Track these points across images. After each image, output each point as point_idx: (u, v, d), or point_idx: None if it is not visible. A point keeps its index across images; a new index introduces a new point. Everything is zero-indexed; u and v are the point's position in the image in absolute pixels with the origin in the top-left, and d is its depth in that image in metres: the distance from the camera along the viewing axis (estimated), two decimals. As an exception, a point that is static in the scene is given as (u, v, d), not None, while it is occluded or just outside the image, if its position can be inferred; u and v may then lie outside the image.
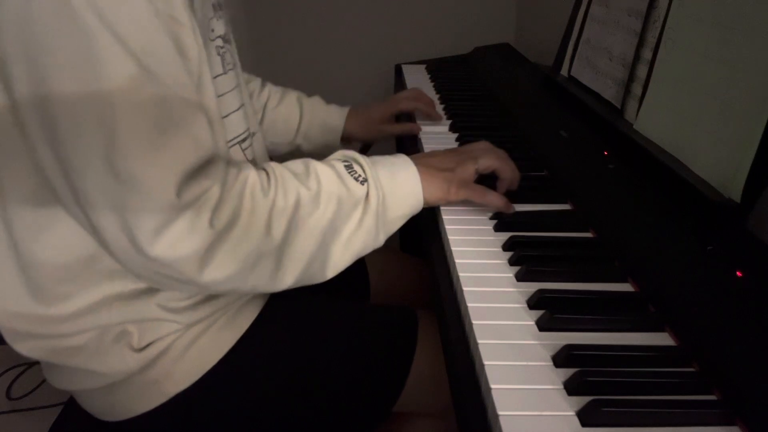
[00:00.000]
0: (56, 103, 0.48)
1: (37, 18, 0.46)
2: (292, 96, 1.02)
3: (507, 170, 0.71)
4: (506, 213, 0.70)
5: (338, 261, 0.62)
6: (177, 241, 0.51)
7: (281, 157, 1.02)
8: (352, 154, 0.66)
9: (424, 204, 0.67)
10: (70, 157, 0.50)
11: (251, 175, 0.58)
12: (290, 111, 1.00)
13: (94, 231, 0.54)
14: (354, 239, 0.62)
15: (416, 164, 0.67)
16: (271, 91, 1.01)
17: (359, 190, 0.62)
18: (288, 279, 0.60)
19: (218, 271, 0.55)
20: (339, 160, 0.65)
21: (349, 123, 1.02)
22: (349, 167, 0.64)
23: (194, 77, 0.56)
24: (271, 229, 0.57)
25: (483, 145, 0.73)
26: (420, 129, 1.01)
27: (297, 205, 0.58)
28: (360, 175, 0.63)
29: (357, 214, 0.61)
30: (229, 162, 0.59)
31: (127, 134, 0.49)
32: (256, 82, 1.00)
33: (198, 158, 0.53)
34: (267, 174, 0.60)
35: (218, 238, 0.54)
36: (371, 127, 1.03)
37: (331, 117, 1.01)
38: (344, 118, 1.02)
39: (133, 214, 0.50)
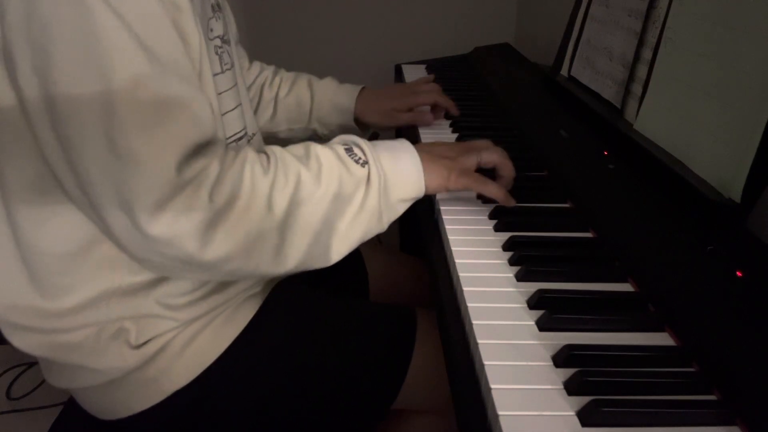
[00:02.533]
0: (59, 85, 0.49)
1: (41, 3, 0.47)
2: (303, 80, 1.02)
3: (507, 168, 0.71)
4: (506, 206, 0.70)
5: (342, 243, 0.62)
6: (176, 218, 0.52)
7: (314, 138, 1.02)
8: (353, 138, 0.66)
9: (426, 189, 0.66)
10: (72, 137, 0.50)
11: (250, 155, 0.58)
12: (301, 97, 1.00)
13: (97, 214, 0.54)
14: (357, 221, 0.61)
15: (418, 150, 0.67)
16: (283, 77, 1.02)
17: (360, 171, 0.62)
18: (291, 260, 0.59)
19: (220, 249, 0.54)
20: (339, 143, 0.65)
21: (361, 105, 0.99)
22: (349, 150, 0.64)
23: (195, 64, 0.57)
24: (272, 206, 0.56)
25: (485, 141, 0.73)
26: (432, 122, 1.01)
27: (298, 184, 0.58)
28: (360, 158, 0.63)
29: (359, 196, 0.61)
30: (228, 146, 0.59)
31: (127, 112, 0.49)
32: (269, 71, 1.02)
33: (198, 137, 0.53)
34: (267, 155, 0.60)
35: (218, 214, 0.54)
36: (385, 114, 1.01)
37: (341, 97, 1.00)
38: (354, 98, 0.99)
39: (132, 192, 0.51)
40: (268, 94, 1.00)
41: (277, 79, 1.01)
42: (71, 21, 0.48)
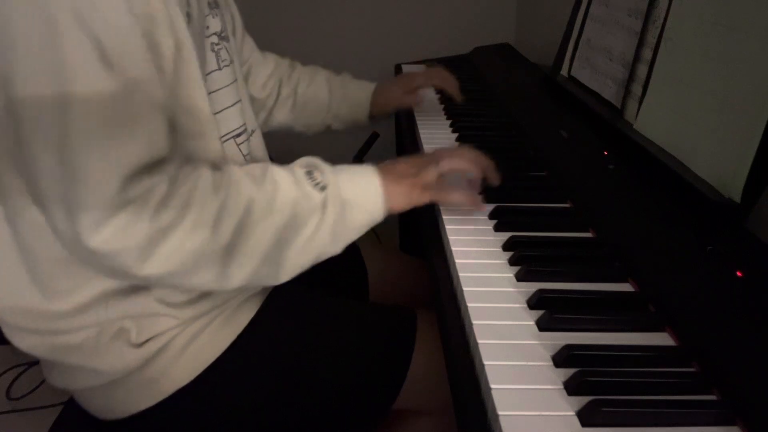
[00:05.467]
0: (19, 93, 0.49)
1: (8, 15, 0.47)
2: (321, 76, 1.05)
3: (473, 168, 0.71)
4: (477, 210, 0.69)
5: (292, 265, 0.62)
6: (116, 234, 0.52)
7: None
8: (315, 160, 0.66)
9: (389, 211, 0.67)
10: (29, 145, 0.51)
11: (204, 174, 0.58)
12: (320, 92, 1.03)
13: (48, 220, 0.54)
14: (309, 245, 0.62)
15: (379, 172, 0.67)
16: (301, 73, 1.04)
17: (317, 196, 0.62)
18: (236, 280, 0.59)
19: (159, 267, 0.54)
20: (301, 166, 0.65)
21: (375, 100, 1.04)
22: (309, 174, 0.64)
23: (167, 74, 0.56)
24: (218, 230, 0.56)
25: (447, 149, 0.73)
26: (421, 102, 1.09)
27: (249, 207, 0.58)
28: (320, 182, 0.63)
29: (313, 221, 0.61)
30: (187, 160, 0.58)
31: (79, 127, 0.50)
32: (285, 64, 1.04)
33: (149, 156, 0.53)
34: (222, 174, 0.60)
35: (160, 234, 0.54)
36: (394, 101, 1.06)
37: (359, 95, 1.04)
38: (371, 95, 1.04)
39: (76, 205, 0.51)
40: (287, 89, 1.02)
41: (295, 74, 1.03)
42: (36, 32, 0.47)
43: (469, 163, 0.70)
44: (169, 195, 0.54)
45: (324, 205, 0.62)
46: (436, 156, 0.71)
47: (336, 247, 0.64)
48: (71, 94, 0.49)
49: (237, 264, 0.58)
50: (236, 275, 0.59)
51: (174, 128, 0.57)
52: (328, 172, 0.64)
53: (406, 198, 0.67)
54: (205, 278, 0.57)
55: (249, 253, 0.58)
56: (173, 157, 0.56)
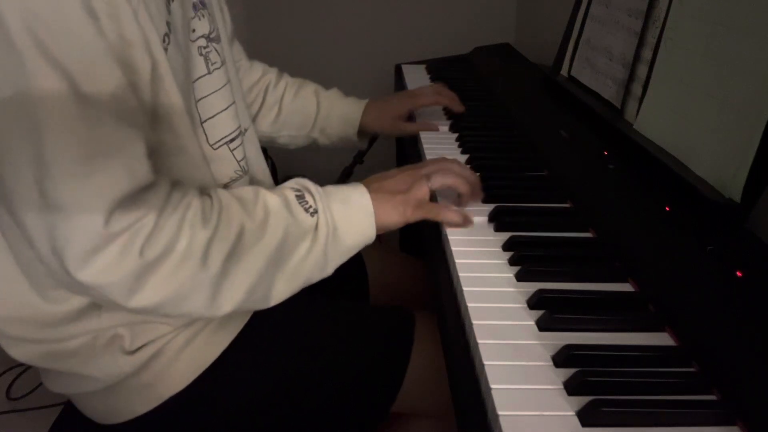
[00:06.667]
0: None
1: None
2: (309, 89, 1.01)
3: (462, 185, 0.70)
4: (466, 227, 0.69)
5: (282, 290, 0.62)
6: (105, 268, 0.51)
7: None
8: (305, 183, 0.66)
9: (382, 229, 0.67)
10: (5, 176, 0.49)
11: (194, 202, 0.56)
12: (307, 104, 1.00)
13: (35, 253, 0.53)
14: (300, 270, 0.61)
15: (370, 190, 0.66)
16: (288, 83, 1.01)
17: (308, 221, 0.61)
18: (225, 307, 0.58)
19: (148, 299, 0.54)
20: (292, 189, 0.65)
21: (366, 116, 1.00)
22: (300, 197, 0.63)
23: (144, 93, 0.54)
24: (207, 259, 0.55)
25: (435, 162, 0.72)
26: (438, 128, 1.01)
27: (239, 235, 0.57)
28: (311, 206, 0.62)
29: (304, 246, 0.61)
30: (176, 186, 0.57)
31: (56, 159, 0.48)
32: (273, 73, 1.00)
33: (131, 187, 0.51)
34: (212, 201, 0.58)
35: (149, 267, 0.52)
36: (388, 121, 1.01)
37: (349, 110, 1.00)
38: (361, 111, 1.00)
39: (62, 238, 0.49)
40: (272, 97, 0.99)
41: (281, 83, 1.00)
42: (1, 65, 0.46)
43: (458, 179, 0.70)
44: (156, 229, 0.53)
45: (315, 230, 0.62)
46: (427, 170, 0.70)
47: (326, 271, 0.64)
48: (45, 128, 0.47)
49: (227, 291, 0.57)
50: (227, 302, 0.58)
51: (155, 149, 0.56)
52: (318, 196, 0.64)
53: (400, 215, 0.67)
54: (195, 307, 0.57)
55: (238, 280, 0.58)
56: (159, 183, 0.55)
